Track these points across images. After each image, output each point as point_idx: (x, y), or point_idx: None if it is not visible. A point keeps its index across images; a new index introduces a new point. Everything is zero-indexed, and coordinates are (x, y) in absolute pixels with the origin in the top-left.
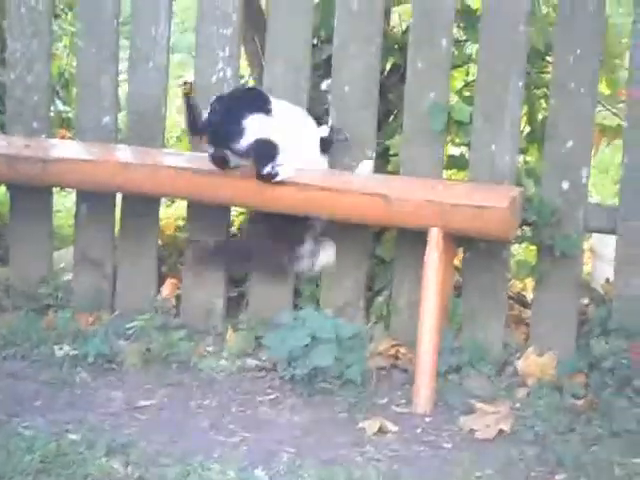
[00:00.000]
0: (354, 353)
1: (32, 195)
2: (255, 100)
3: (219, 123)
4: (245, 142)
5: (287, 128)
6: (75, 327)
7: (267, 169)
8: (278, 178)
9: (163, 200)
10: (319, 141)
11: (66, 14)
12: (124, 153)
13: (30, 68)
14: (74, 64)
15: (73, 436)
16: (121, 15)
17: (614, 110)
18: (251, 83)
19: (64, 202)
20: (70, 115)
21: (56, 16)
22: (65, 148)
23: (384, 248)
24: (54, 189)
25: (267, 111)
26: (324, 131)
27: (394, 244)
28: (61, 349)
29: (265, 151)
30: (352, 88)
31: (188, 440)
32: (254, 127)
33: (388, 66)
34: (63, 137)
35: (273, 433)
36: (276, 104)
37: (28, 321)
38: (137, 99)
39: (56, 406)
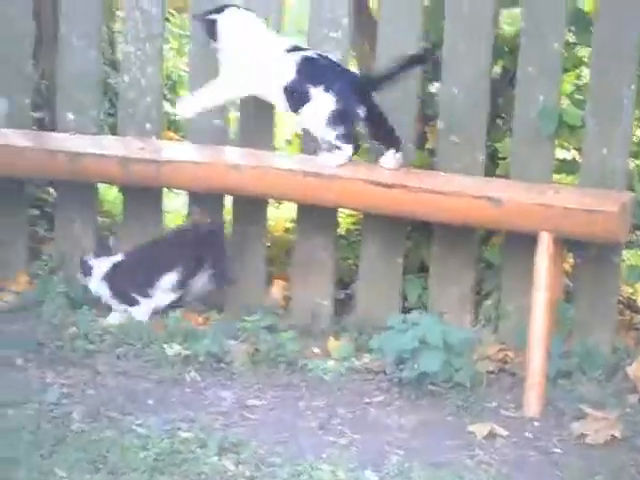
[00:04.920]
0: (462, 357)
1: (144, 196)
2: None
3: None
4: None
5: None
6: (185, 327)
7: None
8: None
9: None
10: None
11: (173, 16)
12: (234, 155)
13: (143, 71)
14: (181, 66)
15: (185, 434)
16: None
17: None
18: None
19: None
20: (177, 117)
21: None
22: (178, 150)
23: (492, 252)
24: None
25: None
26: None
27: (502, 248)
28: (172, 348)
29: None
30: (461, 90)
31: (298, 440)
32: None
33: (498, 69)
34: (170, 139)
35: (382, 435)
36: None
37: (138, 321)
38: (248, 101)
39: (168, 405)
